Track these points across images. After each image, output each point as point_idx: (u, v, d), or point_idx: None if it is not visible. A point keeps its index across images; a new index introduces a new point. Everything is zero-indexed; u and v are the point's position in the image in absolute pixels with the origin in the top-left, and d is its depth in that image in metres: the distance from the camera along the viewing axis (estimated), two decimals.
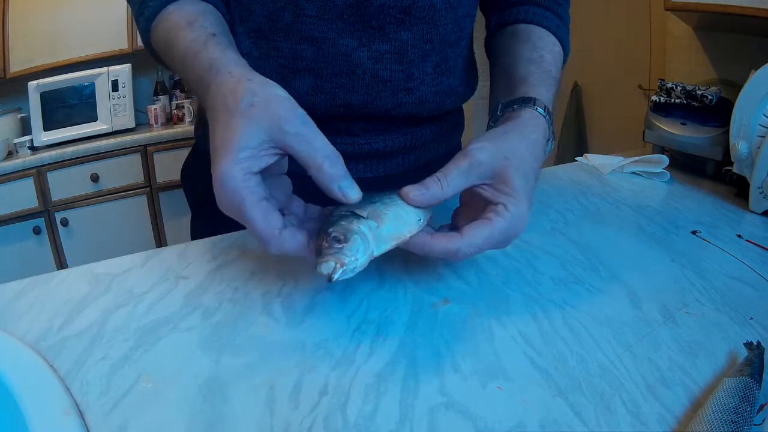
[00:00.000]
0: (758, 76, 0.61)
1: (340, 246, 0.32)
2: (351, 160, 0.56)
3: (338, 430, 0.28)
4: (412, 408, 0.29)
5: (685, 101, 0.78)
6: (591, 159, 0.78)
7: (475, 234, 0.37)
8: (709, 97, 0.75)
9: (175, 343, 0.35)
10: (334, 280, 0.32)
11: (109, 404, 0.30)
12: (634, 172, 0.73)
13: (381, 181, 0.59)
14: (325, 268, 0.32)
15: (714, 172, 0.72)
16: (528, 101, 0.46)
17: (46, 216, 1.97)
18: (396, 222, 0.35)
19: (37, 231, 1.96)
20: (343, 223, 0.34)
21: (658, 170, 0.72)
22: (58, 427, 0.28)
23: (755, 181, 0.59)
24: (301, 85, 0.52)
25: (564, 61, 0.57)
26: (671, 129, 0.78)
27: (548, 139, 0.46)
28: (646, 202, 0.62)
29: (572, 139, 1.95)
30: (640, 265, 0.46)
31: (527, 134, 0.43)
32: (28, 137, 2.02)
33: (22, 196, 1.91)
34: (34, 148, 1.99)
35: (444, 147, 0.65)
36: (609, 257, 0.47)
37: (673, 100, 0.79)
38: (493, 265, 0.46)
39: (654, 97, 0.82)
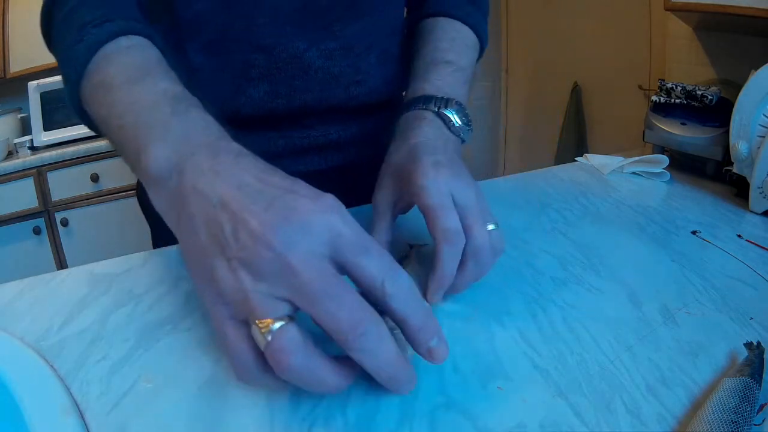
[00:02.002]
0: (758, 76, 0.61)
1: None
2: (307, 152, 0.58)
3: (338, 430, 0.28)
4: (412, 408, 0.29)
5: (685, 101, 0.78)
6: (591, 159, 0.78)
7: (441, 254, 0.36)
8: (709, 97, 0.75)
9: (175, 343, 0.35)
10: None
11: (109, 404, 0.30)
12: (634, 172, 0.73)
13: (336, 171, 0.60)
14: None
15: (714, 172, 0.72)
16: (407, 106, 0.47)
17: (46, 216, 1.97)
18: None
19: (37, 231, 1.96)
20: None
21: (658, 170, 0.72)
22: (58, 427, 0.27)
23: (755, 181, 0.59)
24: (256, 93, 0.52)
25: (482, 48, 0.59)
26: (671, 129, 0.78)
27: (449, 123, 0.45)
28: (646, 202, 0.62)
29: (572, 139, 1.95)
30: (640, 265, 0.46)
31: (411, 138, 0.43)
32: (28, 137, 2.02)
33: (22, 196, 1.91)
34: (34, 148, 2.00)
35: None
36: (609, 257, 0.47)
37: (673, 100, 0.79)
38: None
39: (654, 97, 0.82)
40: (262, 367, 0.26)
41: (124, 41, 0.37)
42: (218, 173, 0.28)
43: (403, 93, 0.63)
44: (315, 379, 0.26)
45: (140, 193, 0.61)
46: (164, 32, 0.49)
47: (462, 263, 0.37)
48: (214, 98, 0.49)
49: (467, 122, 0.46)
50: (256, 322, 0.25)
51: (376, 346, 0.26)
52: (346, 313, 0.25)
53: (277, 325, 0.25)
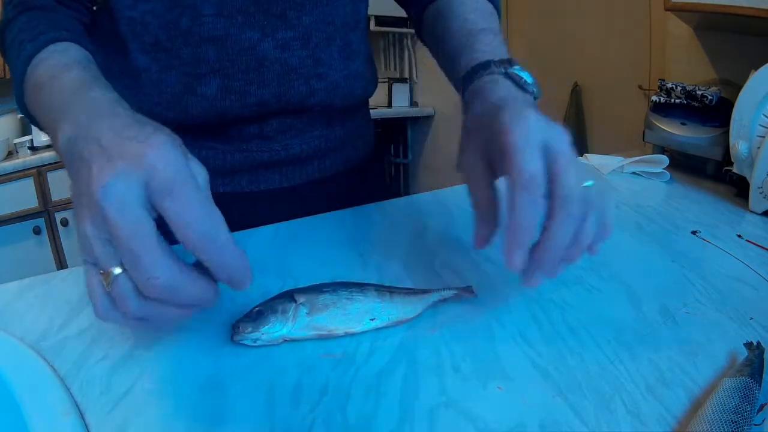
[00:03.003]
0: (758, 76, 0.61)
1: (256, 318, 0.35)
2: (268, 169, 0.56)
3: (338, 430, 0.28)
4: (412, 408, 0.29)
5: (685, 101, 0.78)
6: (591, 159, 0.78)
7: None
8: (709, 97, 0.75)
9: (175, 343, 0.35)
10: (233, 339, 0.34)
11: (109, 404, 0.30)
12: (634, 172, 0.73)
13: (299, 189, 0.58)
14: (233, 327, 0.35)
15: (714, 172, 0.72)
16: (470, 78, 0.42)
17: (46, 216, 1.98)
18: (335, 316, 0.36)
19: (37, 231, 1.96)
20: (273, 301, 0.36)
21: (658, 170, 0.72)
22: (58, 427, 0.27)
23: (755, 181, 0.59)
24: (208, 90, 0.50)
25: (498, 14, 0.54)
26: (671, 129, 0.78)
27: (520, 81, 0.40)
28: (646, 202, 0.62)
29: (572, 139, 1.94)
30: (640, 265, 0.46)
31: (489, 98, 0.39)
32: (28, 137, 2.02)
33: (22, 196, 1.91)
34: (34, 148, 2.00)
35: (359, 151, 0.65)
36: (609, 257, 0.47)
37: (673, 100, 0.79)
38: (493, 265, 0.46)
39: (654, 97, 0.82)
40: (114, 306, 0.28)
41: (53, 47, 0.39)
42: (88, 135, 0.29)
43: (368, 91, 0.62)
44: (156, 318, 0.29)
45: None
46: (107, 39, 0.49)
47: (552, 218, 0.31)
48: (162, 99, 0.50)
49: (534, 79, 0.42)
50: (101, 272, 0.28)
51: (177, 297, 0.28)
52: (155, 270, 0.26)
53: (116, 272, 0.27)
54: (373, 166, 0.69)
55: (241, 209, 0.55)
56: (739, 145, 0.61)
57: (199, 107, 0.50)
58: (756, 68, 0.62)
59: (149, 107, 0.50)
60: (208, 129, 0.52)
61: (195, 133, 0.52)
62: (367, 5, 0.61)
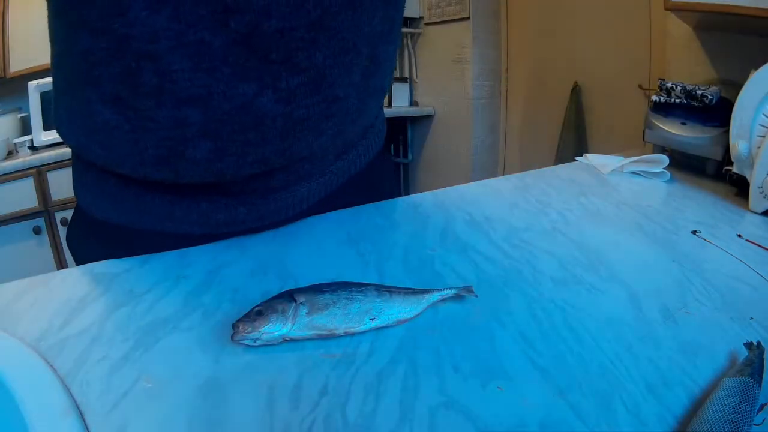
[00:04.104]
0: (758, 76, 0.61)
1: (256, 318, 0.35)
2: (274, 212, 0.50)
3: (338, 430, 0.28)
4: (412, 408, 0.29)
5: (685, 101, 0.78)
6: (591, 159, 0.78)
7: None
8: (709, 97, 0.75)
9: (174, 343, 0.35)
10: (233, 339, 0.34)
11: (109, 404, 0.30)
12: (634, 172, 0.73)
13: (311, 210, 0.54)
14: (233, 327, 0.35)
15: (714, 172, 0.72)
16: None
17: (46, 216, 1.97)
18: (335, 316, 0.36)
19: (37, 231, 1.96)
20: (273, 301, 0.36)
21: (658, 170, 0.72)
22: (58, 427, 0.27)
23: (755, 181, 0.59)
24: (198, 154, 0.40)
25: None
26: (671, 129, 0.78)
27: None
28: (646, 202, 0.62)
29: (572, 139, 1.95)
30: (640, 265, 0.46)
31: None
32: (28, 137, 2.02)
33: (22, 196, 1.91)
34: (34, 148, 2.00)
35: (371, 153, 0.59)
36: (609, 257, 0.47)
37: (673, 99, 0.79)
38: (493, 265, 0.46)
39: (654, 97, 0.82)
40: None
41: None
42: None
43: (383, 96, 0.54)
44: None
45: (71, 241, 0.54)
46: (69, 80, 0.41)
47: None
48: (146, 161, 0.41)
49: None
50: None
51: None
52: None
53: None
54: (383, 162, 0.63)
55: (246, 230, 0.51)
56: (739, 145, 0.62)
57: (192, 170, 0.42)
58: (756, 68, 0.62)
59: (132, 165, 0.42)
60: (207, 186, 0.45)
61: (193, 190, 0.45)
62: (402, 8, 0.49)
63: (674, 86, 0.79)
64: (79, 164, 0.49)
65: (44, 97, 1.98)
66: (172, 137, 0.39)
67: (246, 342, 0.34)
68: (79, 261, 0.52)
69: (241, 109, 0.38)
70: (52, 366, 0.32)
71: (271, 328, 0.34)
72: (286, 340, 0.35)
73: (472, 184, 0.71)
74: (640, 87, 1.64)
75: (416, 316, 0.37)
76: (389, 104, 2.69)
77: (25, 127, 2.10)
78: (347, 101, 0.44)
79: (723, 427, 0.26)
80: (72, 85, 0.40)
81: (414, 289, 0.39)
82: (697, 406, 0.29)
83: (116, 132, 0.39)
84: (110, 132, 0.39)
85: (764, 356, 0.32)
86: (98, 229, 0.48)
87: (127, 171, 0.43)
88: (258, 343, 0.34)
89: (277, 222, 0.52)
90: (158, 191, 0.45)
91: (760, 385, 0.29)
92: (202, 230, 0.47)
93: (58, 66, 0.42)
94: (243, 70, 0.36)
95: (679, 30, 1.23)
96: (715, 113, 0.74)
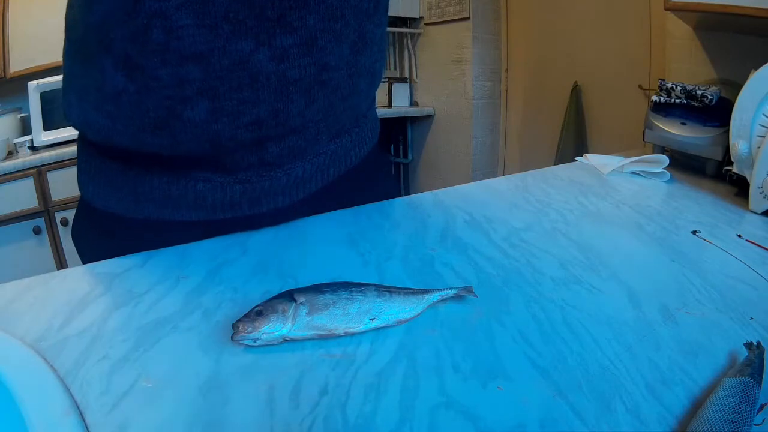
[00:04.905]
0: (758, 76, 0.61)
1: (256, 318, 0.35)
2: (270, 194, 0.51)
3: (338, 430, 0.28)
4: (412, 408, 0.29)
5: (685, 101, 0.78)
6: (591, 159, 0.78)
7: None
8: (709, 97, 0.75)
9: (175, 343, 0.35)
10: (233, 339, 0.34)
11: (109, 404, 0.30)
12: (634, 172, 0.73)
13: (302, 201, 0.54)
14: (233, 327, 0.35)
15: (714, 172, 0.72)
16: None
17: (46, 216, 1.97)
18: (335, 316, 0.36)
19: (37, 231, 1.96)
20: (273, 301, 0.36)
21: (658, 170, 0.72)
22: (58, 427, 0.27)
23: (755, 181, 0.59)
24: (196, 115, 0.43)
25: None
26: (671, 129, 0.78)
27: None
28: (646, 202, 0.62)
29: (572, 139, 1.95)
30: (640, 265, 0.46)
31: None
32: (28, 137, 2.02)
33: (22, 196, 1.91)
34: (34, 148, 2.00)
35: (366, 147, 0.60)
36: (609, 257, 0.47)
37: (673, 100, 0.79)
38: (493, 265, 0.46)
39: (654, 97, 0.82)
40: None
41: None
42: None
43: (374, 83, 0.56)
44: None
45: (76, 235, 0.56)
46: (85, 54, 0.44)
47: None
48: (146, 124, 0.44)
49: None
50: None
51: None
52: None
53: None
54: (378, 158, 0.64)
55: (243, 226, 0.53)
56: (739, 145, 0.62)
57: (188, 133, 0.44)
58: (756, 68, 0.62)
59: (133, 133, 0.45)
60: (202, 159, 0.47)
61: (188, 164, 0.47)
62: None
63: (674, 86, 0.79)
64: (84, 153, 0.52)
65: (44, 97, 1.98)
66: (172, 96, 0.42)
67: (246, 342, 0.34)
68: (82, 253, 0.55)
69: (239, 66, 0.41)
70: (52, 366, 0.32)
71: (271, 328, 0.34)
72: (286, 340, 0.35)
73: (472, 184, 0.72)
74: (640, 87, 1.64)
75: (416, 316, 0.37)
76: (389, 104, 2.70)
77: (25, 127, 2.10)
78: (338, 72, 0.47)
79: (723, 427, 0.26)
80: (87, 59, 0.44)
81: (414, 289, 0.39)
82: (697, 406, 0.29)
83: (123, 97, 0.43)
84: (118, 98, 0.43)
85: (764, 356, 0.32)
86: (100, 220, 0.50)
87: (128, 141, 0.45)
88: (258, 343, 0.34)
89: (275, 214, 0.52)
90: (155, 172, 0.47)
91: (760, 385, 0.29)
92: (198, 216, 0.48)
93: (73, 45, 0.46)
94: (241, 28, 0.40)
95: (679, 30, 1.23)
96: (715, 113, 0.74)
